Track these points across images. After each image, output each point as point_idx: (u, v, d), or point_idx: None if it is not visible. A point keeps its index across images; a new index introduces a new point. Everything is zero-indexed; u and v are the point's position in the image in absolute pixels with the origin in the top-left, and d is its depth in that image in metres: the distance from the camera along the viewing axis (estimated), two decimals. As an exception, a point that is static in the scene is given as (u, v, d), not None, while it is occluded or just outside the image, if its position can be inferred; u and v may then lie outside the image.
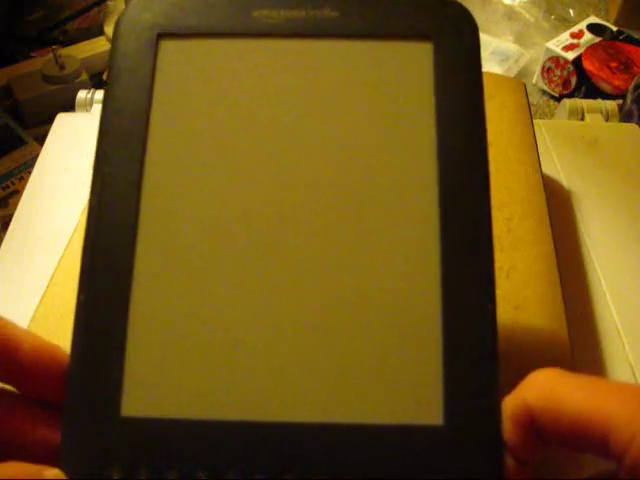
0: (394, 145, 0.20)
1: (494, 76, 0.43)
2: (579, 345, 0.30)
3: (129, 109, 0.21)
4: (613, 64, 0.62)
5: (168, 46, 0.22)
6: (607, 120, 0.45)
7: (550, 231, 0.30)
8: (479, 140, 0.20)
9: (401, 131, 0.21)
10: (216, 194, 0.20)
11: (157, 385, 0.18)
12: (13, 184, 0.51)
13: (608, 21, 0.69)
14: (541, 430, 0.17)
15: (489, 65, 0.68)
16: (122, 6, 0.66)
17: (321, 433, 0.18)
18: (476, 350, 0.18)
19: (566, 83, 0.64)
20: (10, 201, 0.50)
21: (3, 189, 0.51)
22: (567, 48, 0.64)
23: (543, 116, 0.64)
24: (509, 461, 0.17)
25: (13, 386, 0.19)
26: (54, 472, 0.17)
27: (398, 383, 0.18)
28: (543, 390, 0.17)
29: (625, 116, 0.53)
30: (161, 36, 0.22)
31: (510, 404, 0.18)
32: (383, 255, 0.19)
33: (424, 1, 0.22)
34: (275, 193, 0.20)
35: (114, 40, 0.22)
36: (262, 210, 0.20)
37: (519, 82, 0.38)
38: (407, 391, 0.18)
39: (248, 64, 0.21)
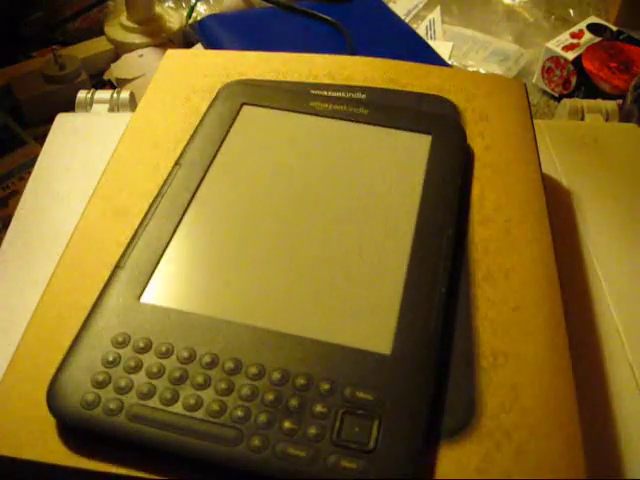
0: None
1: (494, 76, 0.43)
2: (579, 345, 0.30)
3: (199, 154, 0.31)
4: (613, 64, 0.62)
5: (246, 111, 0.33)
6: (607, 120, 0.45)
7: (550, 231, 0.30)
8: (451, 212, 0.29)
9: (393, 196, 0.30)
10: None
11: (176, 286, 0.26)
12: (13, 184, 0.51)
13: (608, 21, 0.69)
14: None
15: (489, 65, 0.68)
16: (122, 6, 0.66)
17: (293, 342, 0.24)
18: (426, 301, 0.25)
19: (566, 83, 0.64)
20: (10, 201, 0.50)
21: (3, 189, 0.51)
22: (567, 48, 0.64)
23: (543, 116, 0.64)
24: None
25: None
26: None
27: (363, 317, 0.25)
28: None
29: (625, 116, 0.53)
30: (244, 104, 0.34)
31: None
32: (366, 249, 0.28)
33: (428, 112, 0.35)
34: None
35: (212, 102, 0.34)
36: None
37: (519, 82, 0.38)
38: (368, 324, 0.25)
39: (300, 132, 0.33)
